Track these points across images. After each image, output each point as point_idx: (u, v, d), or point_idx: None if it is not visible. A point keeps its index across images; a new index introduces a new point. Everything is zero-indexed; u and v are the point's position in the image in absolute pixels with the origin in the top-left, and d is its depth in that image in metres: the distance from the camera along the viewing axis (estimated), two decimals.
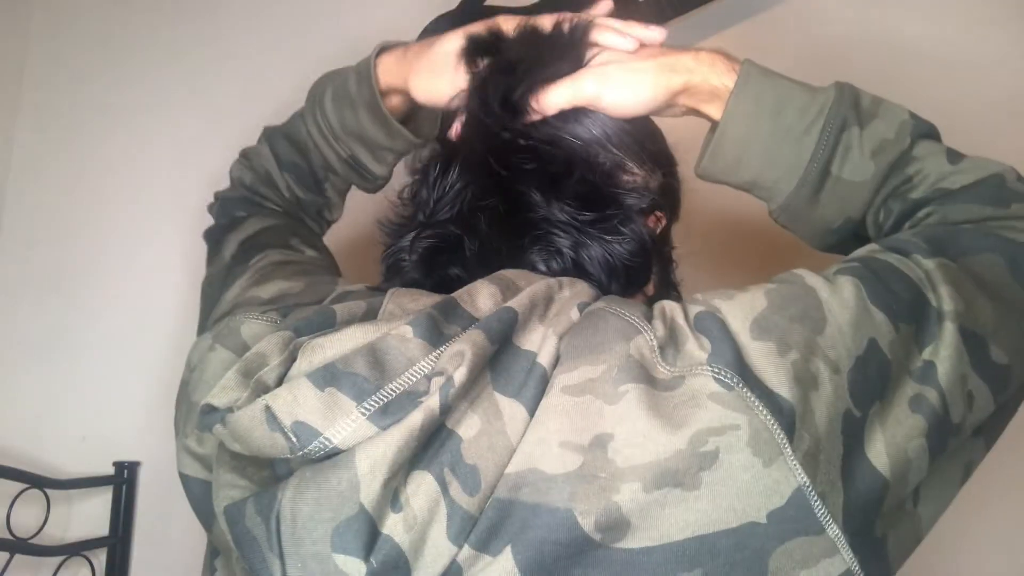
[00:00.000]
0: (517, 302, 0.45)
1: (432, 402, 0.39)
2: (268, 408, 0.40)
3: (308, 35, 1.16)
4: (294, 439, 0.39)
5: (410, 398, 0.40)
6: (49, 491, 0.98)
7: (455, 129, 0.60)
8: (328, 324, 0.45)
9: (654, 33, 0.59)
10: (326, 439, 0.39)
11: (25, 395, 1.08)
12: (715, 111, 0.57)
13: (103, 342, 1.10)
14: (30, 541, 0.95)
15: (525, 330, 0.44)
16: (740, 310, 0.44)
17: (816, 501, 0.39)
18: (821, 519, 0.39)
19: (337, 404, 0.39)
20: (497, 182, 0.54)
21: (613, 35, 0.58)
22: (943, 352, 0.44)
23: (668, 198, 0.61)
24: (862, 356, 0.43)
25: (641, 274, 0.56)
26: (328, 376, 0.40)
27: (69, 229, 1.12)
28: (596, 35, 0.58)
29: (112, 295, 1.11)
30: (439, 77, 0.60)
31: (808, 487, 0.39)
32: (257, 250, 0.64)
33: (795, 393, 0.40)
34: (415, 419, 0.39)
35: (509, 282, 0.48)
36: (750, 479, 0.39)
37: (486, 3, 1.01)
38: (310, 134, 0.70)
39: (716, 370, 0.41)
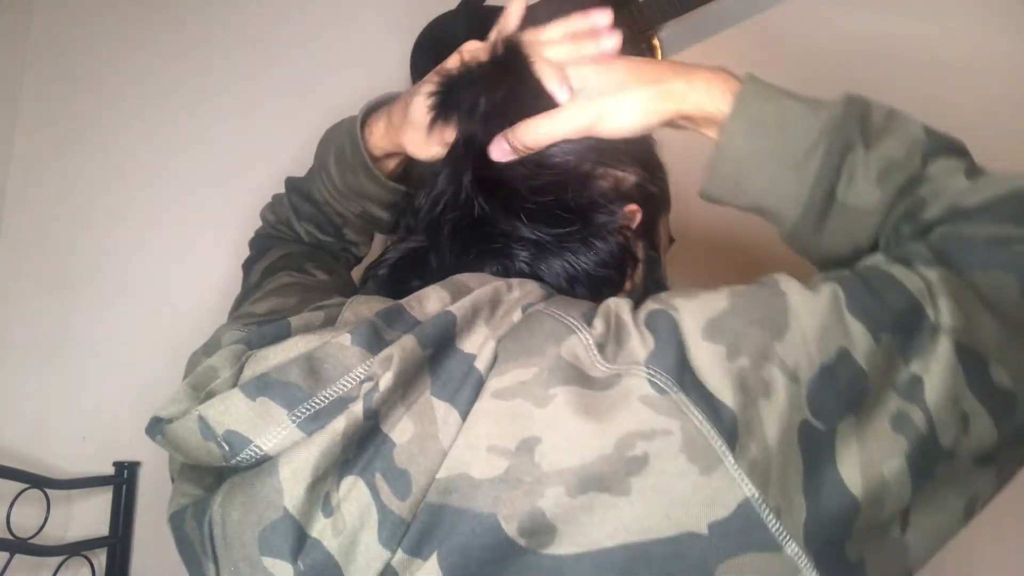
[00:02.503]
0: (458, 305, 0.44)
1: (356, 407, 0.39)
2: (201, 418, 0.41)
3: (310, 34, 1.16)
4: (226, 447, 0.40)
5: (341, 404, 0.40)
6: (49, 491, 0.99)
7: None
8: (282, 336, 0.45)
9: (600, 18, 0.57)
10: (257, 447, 0.40)
11: (25, 395, 1.08)
12: (714, 133, 0.54)
13: (103, 342, 1.10)
14: (30, 541, 0.95)
15: (469, 332, 0.44)
16: (699, 310, 0.42)
17: (768, 515, 0.37)
18: (776, 535, 0.37)
19: (268, 413, 0.40)
20: (464, 194, 0.54)
21: (553, 78, 0.55)
22: (933, 367, 0.41)
23: (646, 194, 0.59)
24: (829, 366, 0.40)
25: (608, 282, 0.54)
26: (261, 386, 0.40)
27: (69, 229, 1.12)
28: (545, 53, 0.56)
29: (112, 295, 1.11)
30: (430, 142, 0.60)
31: (757, 499, 0.37)
32: (272, 273, 0.67)
33: (738, 400, 0.39)
34: (338, 424, 0.39)
35: (461, 286, 0.48)
36: (687, 487, 0.37)
37: (485, 3, 1.00)
38: (321, 194, 0.72)
39: (651, 372, 0.40)
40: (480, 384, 0.42)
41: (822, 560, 0.38)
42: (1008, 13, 0.92)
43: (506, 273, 0.53)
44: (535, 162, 0.55)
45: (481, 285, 0.47)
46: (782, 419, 0.39)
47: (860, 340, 0.41)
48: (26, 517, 0.96)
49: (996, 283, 0.45)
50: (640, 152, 0.60)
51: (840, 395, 0.40)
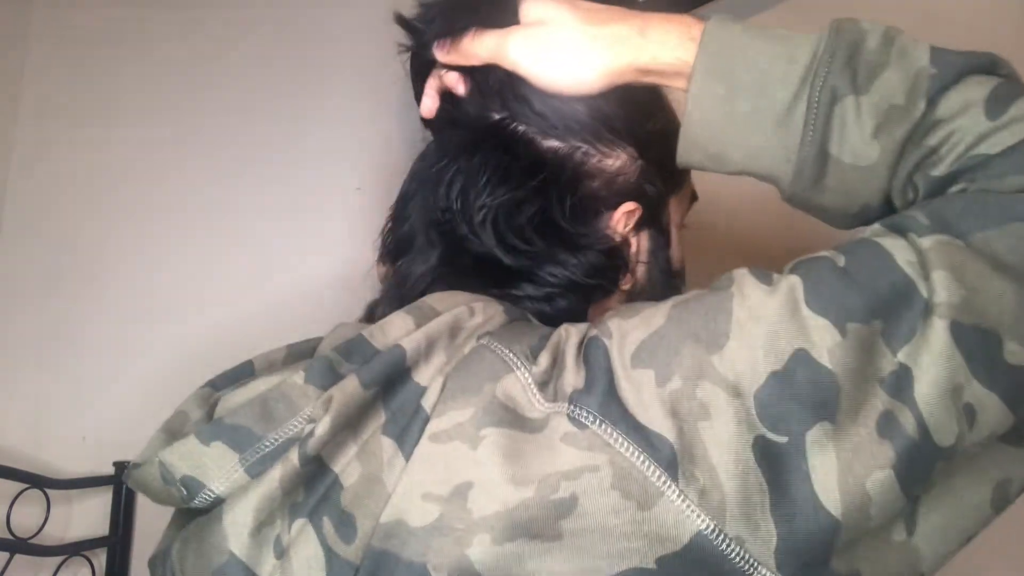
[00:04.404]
0: (410, 339, 0.42)
1: (292, 455, 0.40)
2: (162, 463, 0.42)
3: (312, 31, 1.16)
4: (184, 491, 0.42)
5: (288, 446, 0.41)
6: (49, 491, 0.98)
7: (426, 107, 0.57)
8: (245, 374, 0.47)
9: None
10: (209, 491, 0.41)
11: (25, 395, 1.07)
12: (682, 84, 0.48)
13: (103, 342, 1.09)
14: (30, 541, 0.95)
15: (427, 361, 0.43)
16: (632, 332, 0.40)
17: (728, 546, 0.34)
18: (742, 564, 0.34)
19: (221, 457, 0.41)
20: (441, 221, 0.52)
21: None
22: (924, 357, 0.36)
23: (644, 191, 0.55)
24: (781, 372, 0.36)
25: (599, 290, 0.53)
26: (215, 430, 0.41)
27: (70, 228, 1.12)
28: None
29: (112, 295, 1.10)
30: None
31: (712, 531, 0.35)
32: None
33: (672, 427, 0.36)
34: (275, 473, 0.40)
35: (428, 310, 0.45)
36: (624, 524, 0.35)
37: None
38: None
39: (571, 408, 0.38)
40: (425, 423, 0.40)
41: None
42: (1011, 15, 0.92)
43: (495, 285, 0.51)
44: (525, 140, 0.51)
45: (449, 309, 0.45)
46: (731, 440, 0.35)
47: (821, 337, 0.36)
48: (26, 517, 0.95)
49: (1013, 239, 0.38)
50: (640, 124, 0.54)
51: (801, 401, 0.36)
